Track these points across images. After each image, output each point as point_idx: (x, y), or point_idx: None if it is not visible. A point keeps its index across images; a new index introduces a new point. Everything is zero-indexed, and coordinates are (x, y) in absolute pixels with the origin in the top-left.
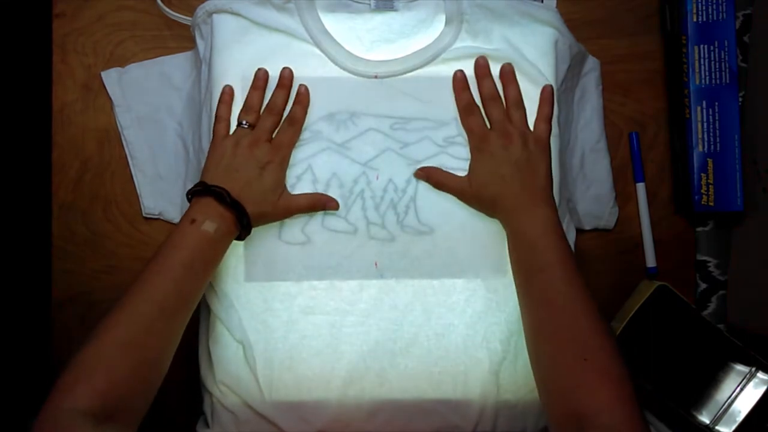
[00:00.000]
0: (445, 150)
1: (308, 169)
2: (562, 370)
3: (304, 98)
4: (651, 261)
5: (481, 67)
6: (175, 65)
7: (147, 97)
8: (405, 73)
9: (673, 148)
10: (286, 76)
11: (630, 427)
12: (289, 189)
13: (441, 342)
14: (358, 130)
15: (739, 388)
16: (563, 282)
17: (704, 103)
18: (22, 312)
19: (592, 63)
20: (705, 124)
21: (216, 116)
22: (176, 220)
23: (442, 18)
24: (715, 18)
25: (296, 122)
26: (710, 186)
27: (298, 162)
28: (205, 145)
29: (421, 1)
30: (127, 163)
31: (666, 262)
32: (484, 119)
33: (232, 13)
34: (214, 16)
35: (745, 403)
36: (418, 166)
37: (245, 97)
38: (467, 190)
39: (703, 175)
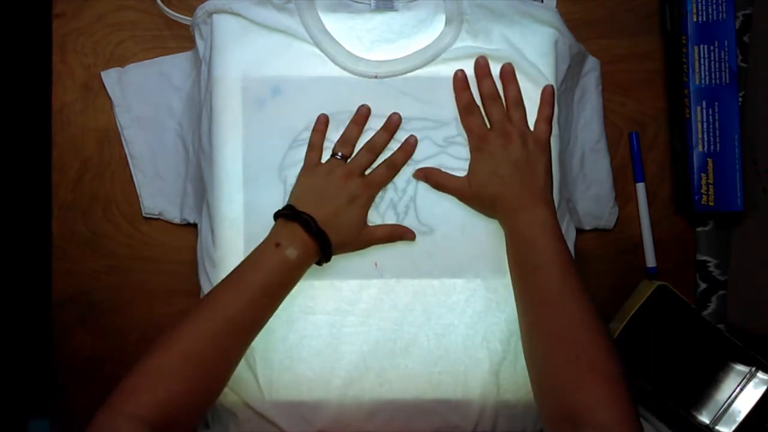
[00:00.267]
0: (445, 150)
1: None
2: (556, 368)
3: (410, 147)
4: (651, 261)
5: (481, 66)
6: (174, 65)
7: (147, 97)
8: (405, 73)
9: (673, 148)
10: (394, 121)
11: (623, 425)
12: (288, 188)
13: (441, 342)
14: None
15: (739, 388)
16: (559, 281)
17: (704, 103)
18: (22, 312)
19: (592, 63)
20: (705, 124)
21: (309, 144)
22: (176, 219)
23: (442, 18)
24: (715, 18)
25: (394, 168)
26: (710, 186)
27: (298, 161)
28: (205, 145)
29: (421, 1)
30: (127, 163)
31: (666, 262)
32: (484, 119)
33: (232, 13)
34: (214, 16)
35: (745, 403)
36: (418, 166)
37: (343, 129)
38: (467, 190)
39: (703, 175)
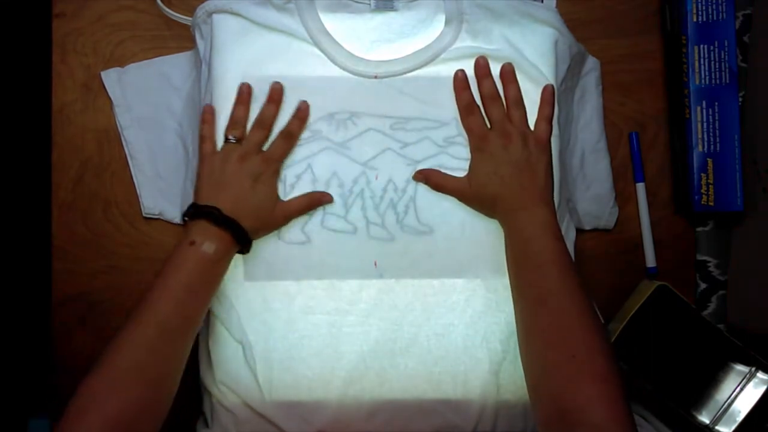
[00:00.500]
0: (445, 150)
1: (308, 169)
2: (550, 368)
3: (303, 114)
4: (651, 261)
5: (481, 66)
6: (174, 65)
7: (147, 97)
8: (405, 73)
9: (673, 148)
10: (277, 90)
11: (616, 426)
12: (288, 188)
13: (441, 342)
14: (358, 129)
15: (739, 388)
16: (556, 281)
17: (704, 103)
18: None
19: (592, 63)
20: (705, 124)
21: (200, 136)
22: (176, 219)
23: (442, 18)
24: (715, 18)
25: (291, 137)
26: (710, 186)
27: (298, 161)
28: None
29: (421, 1)
30: (127, 163)
31: (666, 262)
32: (484, 119)
33: (232, 13)
34: (214, 16)
35: (745, 403)
36: (418, 166)
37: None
38: (467, 191)
39: (703, 175)
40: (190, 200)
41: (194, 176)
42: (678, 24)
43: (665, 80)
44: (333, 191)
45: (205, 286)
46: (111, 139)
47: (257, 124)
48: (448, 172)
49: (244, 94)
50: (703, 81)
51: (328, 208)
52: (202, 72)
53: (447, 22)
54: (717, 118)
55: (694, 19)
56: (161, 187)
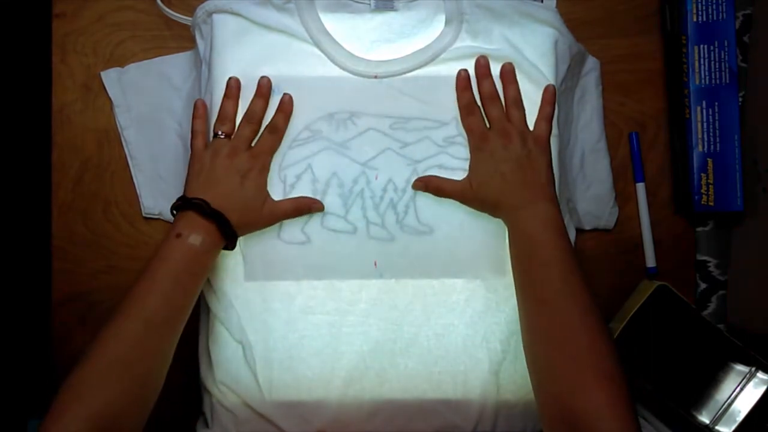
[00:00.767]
0: (445, 150)
1: (308, 169)
2: (556, 370)
3: (287, 107)
4: (651, 261)
5: (482, 66)
6: (174, 65)
7: (147, 97)
8: (405, 73)
9: (673, 148)
10: (264, 85)
11: (622, 429)
12: (288, 188)
13: (441, 342)
14: (358, 129)
15: (739, 388)
16: (560, 280)
17: (704, 103)
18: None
19: (592, 63)
20: (705, 124)
21: (192, 131)
22: None
23: (442, 18)
24: (715, 18)
25: (277, 130)
26: (710, 186)
27: (297, 161)
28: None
29: (421, 1)
30: (127, 163)
31: (666, 262)
32: (484, 119)
33: (232, 13)
34: (214, 16)
35: (745, 403)
36: (418, 166)
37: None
38: (468, 191)
39: (703, 175)
40: None
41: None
42: (678, 24)
43: (665, 80)
44: (333, 191)
45: (192, 278)
46: (111, 139)
47: (246, 120)
48: (448, 172)
49: (233, 88)
50: (703, 81)
51: (328, 208)
52: (202, 72)
53: (447, 22)
54: (717, 118)
55: (694, 19)
56: (161, 187)
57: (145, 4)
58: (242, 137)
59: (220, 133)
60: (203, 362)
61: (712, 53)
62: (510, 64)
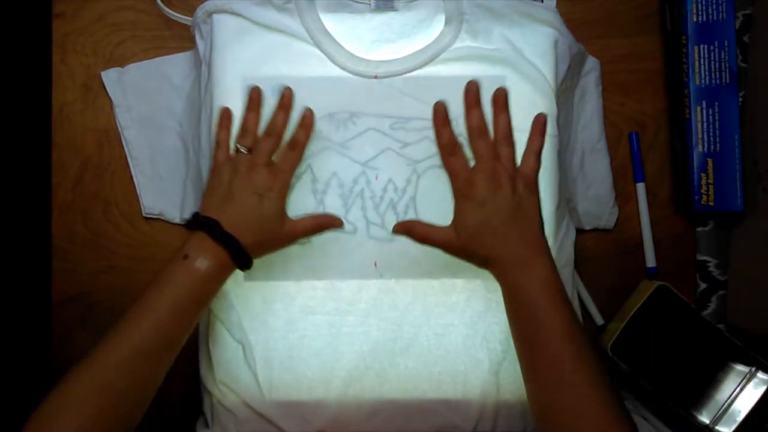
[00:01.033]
0: None
1: (308, 169)
2: None
3: (308, 122)
4: (651, 261)
5: (471, 94)
6: (175, 65)
7: (147, 97)
8: (405, 73)
9: (673, 148)
10: (287, 97)
11: None
12: (288, 189)
13: (441, 342)
14: (358, 129)
15: (739, 388)
16: (570, 362)
17: (704, 103)
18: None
19: (592, 63)
20: (705, 124)
21: (216, 141)
22: (176, 219)
23: (442, 18)
24: (715, 18)
25: (298, 146)
26: (710, 186)
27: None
28: (205, 145)
29: (421, 1)
30: (127, 163)
31: (666, 262)
32: (467, 160)
33: (232, 13)
34: (214, 16)
35: (745, 403)
36: (418, 166)
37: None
38: (454, 243)
39: (703, 175)
40: (190, 200)
41: (194, 176)
42: (678, 24)
43: (665, 80)
44: (333, 191)
45: (193, 305)
46: (111, 139)
47: (267, 133)
48: (430, 223)
49: (254, 101)
50: (703, 81)
51: (328, 208)
52: (202, 72)
53: (447, 22)
54: (717, 118)
55: (694, 19)
56: (161, 187)
57: (145, 4)
58: (263, 151)
59: (241, 147)
60: (203, 362)
61: (712, 53)
62: (503, 89)
